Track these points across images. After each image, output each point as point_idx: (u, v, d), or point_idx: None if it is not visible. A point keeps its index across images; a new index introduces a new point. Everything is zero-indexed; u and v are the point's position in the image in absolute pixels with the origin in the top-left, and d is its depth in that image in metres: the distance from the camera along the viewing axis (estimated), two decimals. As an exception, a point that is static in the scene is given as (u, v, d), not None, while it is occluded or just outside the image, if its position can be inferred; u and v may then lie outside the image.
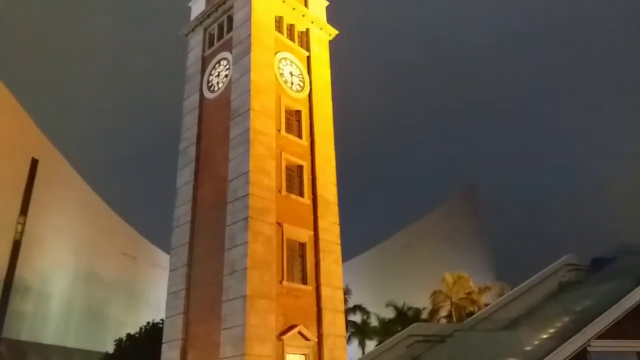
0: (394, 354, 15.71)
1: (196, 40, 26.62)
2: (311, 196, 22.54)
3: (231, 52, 23.84)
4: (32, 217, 50.35)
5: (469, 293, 39.35)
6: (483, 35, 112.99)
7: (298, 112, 23.89)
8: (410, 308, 40.67)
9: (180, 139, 25.13)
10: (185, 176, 23.75)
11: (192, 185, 23.09)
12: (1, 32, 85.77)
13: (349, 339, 36.08)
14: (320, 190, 22.82)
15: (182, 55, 27.56)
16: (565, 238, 77.33)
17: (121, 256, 59.37)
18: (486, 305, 29.20)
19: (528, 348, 14.31)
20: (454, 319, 36.86)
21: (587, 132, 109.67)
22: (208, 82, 24.93)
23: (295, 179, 22.50)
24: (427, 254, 68.67)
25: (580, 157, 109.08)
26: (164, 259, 44.96)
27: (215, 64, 24.91)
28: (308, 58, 25.49)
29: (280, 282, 19.73)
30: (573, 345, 13.41)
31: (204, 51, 25.95)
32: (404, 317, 38.81)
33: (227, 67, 23.97)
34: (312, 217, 22.16)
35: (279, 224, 20.48)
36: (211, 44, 25.84)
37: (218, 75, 24.45)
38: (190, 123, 24.77)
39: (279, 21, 24.90)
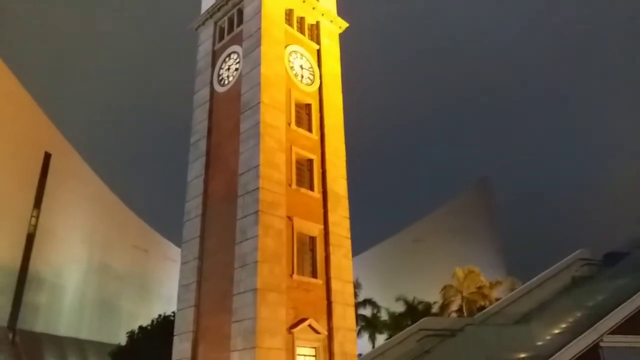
0: (404, 348, 15.68)
1: (206, 34, 26.63)
2: (321, 190, 22.52)
3: (241, 46, 23.82)
4: (46, 210, 50.93)
5: (479, 287, 39.19)
6: (500, 27, 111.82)
7: (308, 106, 23.83)
8: (420, 302, 40.59)
9: (191, 132, 25.23)
10: (195, 170, 23.84)
11: (203, 178, 23.18)
12: (14, 26, 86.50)
13: (359, 333, 36.13)
14: (330, 184, 22.79)
15: (194, 49, 27.60)
16: (578, 233, 76.55)
17: (133, 249, 59.91)
18: (497, 299, 29.07)
19: (540, 343, 14.20)
20: (465, 314, 36.74)
21: (602, 126, 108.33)
22: (218, 75, 24.95)
23: (305, 172, 22.47)
24: (437, 249, 68.45)
25: (594, 152, 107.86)
26: (175, 252, 45.36)
27: (226, 57, 24.91)
28: (318, 51, 25.38)
29: (291, 275, 19.77)
30: (585, 340, 13.27)
31: (214, 45, 25.95)
32: (414, 311, 38.76)
33: (238, 60, 23.96)
34: (322, 211, 22.15)
35: (289, 218, 20.49)
36: (221, 38, 25.83)
37: (228, 69, 24.46)
38: (200, 117, 24.83)
39: (289, 14, 24.80)
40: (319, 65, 24.99)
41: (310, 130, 23.34)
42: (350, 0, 29.63)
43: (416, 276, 59.17)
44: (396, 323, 37.77)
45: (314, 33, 25.89)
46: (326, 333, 20.05)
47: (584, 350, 13.13)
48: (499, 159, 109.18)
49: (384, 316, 39.98)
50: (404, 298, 40.61)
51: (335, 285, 21.06)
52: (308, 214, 21.45)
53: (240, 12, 24.93)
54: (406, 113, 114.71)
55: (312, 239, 21.35)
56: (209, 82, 25.13)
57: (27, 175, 50.08)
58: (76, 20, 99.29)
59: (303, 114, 23.56)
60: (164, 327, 28.88)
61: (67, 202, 53.29)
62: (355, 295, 29.08)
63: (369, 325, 39.10)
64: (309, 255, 21.15)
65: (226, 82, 24.32)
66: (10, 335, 43.87)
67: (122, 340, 33.30)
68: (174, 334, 21.63)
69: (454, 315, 38.34)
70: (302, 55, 24.54)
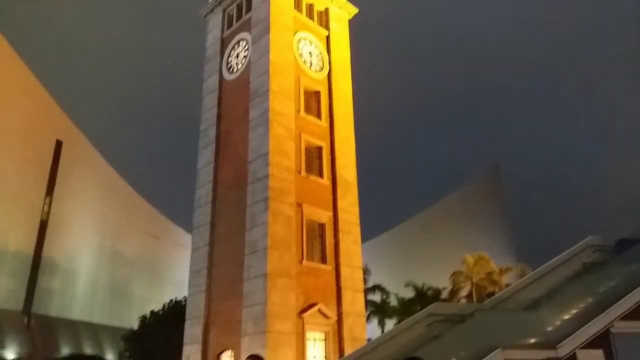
0: (413, 333, 15.72)
1: (215, 21, 26.53)
2: (330, 177, 22.56)
3: (250, 33, 23.73)
4: (58, 197, 51.53)
5: (489, 274, 39.14)
6: (517, 12, 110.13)
7: (317, 93, 23.77)
8: (429, 288, 40.66)
9: (200, 120, 25.31)
10: (205, 157, 23.95)
11: (213, 166, 23.31)
12: (24, 15, 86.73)
13: (368, 318, 36.36)
14: (339, 171, 22.82)
15: (204, 36, 27.55)
16: (590, 219, 76.07)
17: (144, 236, 60.54)
18: (507, 285, 29.06)
19: (550, 328, 14.18)
20: (474, 300, 36.80)
21: (612, 112, 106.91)
22: (227, 63, 24.91)
23: (314, 160, 22.52)
24: (447, 235, 68.36)
25: (607, 138, 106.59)
26: (186, 238, 45.73)
27: (234, 44, 24.85)
28: (327, 37, 25.23)
29: (300, 261, 19.92)
30: (596, 326, 13.24)
31: (222, 32, 25.87)
32: (424, 297, 38.86)
33: (246, 47, 23.89)
34: (331, 197, 22.23)
35: (299, 205, 20.59)
36: (230, 25, 25.73)
37: (237, 56, 24.41)
38: (210, 104, 24.87)
39: (298, 0, 24.62)
40: (328, 52, 24.87)
41: (319, 117, 23.32)
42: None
43: (426, 263, 59.22)
44: (405, 309, 37.92)
45: (323, 19, 25.71)
46: (336, 318, 20.24)
47: (595, 336, 13.11)
48: (510, 145, 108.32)
49: (393, 302, 40.16)
50: (413, 284, 40.71)
51: (344, 271, 21.21)
52: (317, 201, 21.53)
53: (249, -1, 24.82)
54: (417, 99, 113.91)
55: (322, 226, 21.46)
56: (217, 70, 25.12)
57: (39, 163, 50.62)
58: (87, 9, 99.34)
59: (312, 101, 23.52)
60: (175, 312, 29.27)
61: (79, 190, 53.84)
62: (365, 281, 29.25)
63: (378, 310, 39.30)
64: (319, 242, 21.29)
65: (235, 69, 24.30)
66: (26, 319, 44.77)
67: (135, 324, 33.82)
68: (186, 318, 21.96)
69: (463, 301, 38.42)
70: (311, 41, 24.41)
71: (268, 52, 22.02)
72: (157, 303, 35.16)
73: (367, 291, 32.79)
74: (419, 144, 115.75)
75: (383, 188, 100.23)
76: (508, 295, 18.10)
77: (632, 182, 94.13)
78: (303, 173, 21.44)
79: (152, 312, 32.71)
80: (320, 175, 22.28)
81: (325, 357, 19.52)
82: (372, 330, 35.81)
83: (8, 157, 46.77)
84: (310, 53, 24.11)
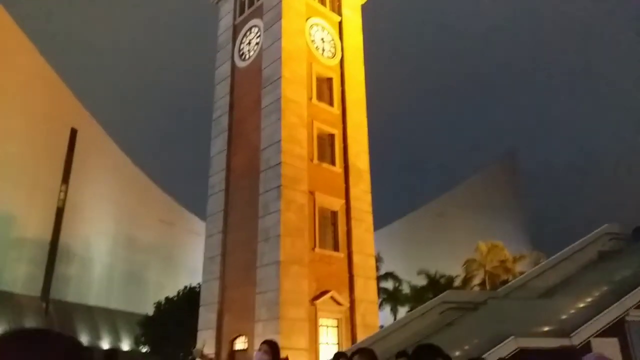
0: (426, 320, 15.75)
1: (227, 8, 26.42)
2: (343, 165, 22.51)
3: (262, 19, 23.60)
4: (73, 185, 52.19)
5: (503, 261, 38.94)
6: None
7: (329, 80, 23.63)
8: (442, 276, 40.61)
9: (213, 108, 25.34)
10: (218, 145, 24.02)
11: (226, 154, 23.38)
12: (38, 4, 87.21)
13: (380, 305, 36.45)
14: (352, 159, 22.75)
15: (214, 24, 27.46)
16: (605, 207, 75.05)
17: (159, 223, 61.15)
18: (521, 273, 28.89)
19: (564, 316, 14.09)
20: (487, 287, 36.66)
21: (631, 98, 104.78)
22: (239, 50, 24.83)
23: (326, 147, 22.47)
24: (461, 223, 68.01)
25: (624, 125, 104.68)
26: (200, 225, 46.06)
27: (246, 31, 24.75)
28: (340, 23, 25.01)
29: (313, 249, 19.98)
30: (611, 314, 13.11)
31: (234, 19, 25.76)
32: (436, 284, 38.82)
33: (258, 34, 23.79)
34: (343, 185, 22.19)
35: (311, 193, 20.60)
36: (242, 12, 25.61)
37: (249, 43, 24.32)
38: (222, 92, 24.87)
39: (310, -15, 24.39)
40: (341, 38, 24.66)
41: (331, 104, 23.20)
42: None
43: (439, 250, 59.06)
44: (418, 296, 37.95)
45: (336, 5, 25.46)
46: (348, 305, 20.33)
47: (609, 325, 12.99)
48: (526, 131, 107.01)
49: (405, 289, 40.21)
50: (426, 272, 40.69)
51: (356, 258, 21.24)
52: (330, 188, 21.52)
53: (261, -15, 24.63)
54: (431, 85, 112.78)
55: (334, 213, 21.47)
56: (230, 57, 25.07)
57: (54, 151, 51.22)
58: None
59: (324, 88, 23.40)
60: (189, 298, 29.61)
61: (94, 177, 54.45)
62: (377, 268, 29.27)
63: (390, 298, 39.39)
64: (331, 229, 21.32)
65: (247, 56, 24.22)
66: (44, 305, 45.70)
67: (150, 310, 34.28)
68: (200, 304, 22.21)
69: (476, 289, 38.33)
70: (323, 27, 24.21)
71: (280, 38, 21.90)
72: (171, 289, 35.56)
73: (379, 279, 32.83)
74: (433, 131, 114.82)
75: (396, 175, 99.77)
76: (522, 283, 18.01)
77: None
78: (315, 161, 21.41)
79: (166, 298, 33.11)
80: (333, 162, 22.24)
81: (338, 343, 19.65)
82: (385, 317, 35.92)
83: (25, 146, 47.43)
84: (322, 39, 23.94)
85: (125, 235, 56.25)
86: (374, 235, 23.04)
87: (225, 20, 26.28)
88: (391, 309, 39.49)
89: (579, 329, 12.64)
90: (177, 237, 62.93)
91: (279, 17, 22.39)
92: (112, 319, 49.69)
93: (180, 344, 27.88)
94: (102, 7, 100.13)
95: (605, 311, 13.09)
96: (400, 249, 59.58)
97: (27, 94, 49.11)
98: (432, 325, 15.30)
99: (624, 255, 18.06)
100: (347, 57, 24.48)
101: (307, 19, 23.40)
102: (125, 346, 45.53)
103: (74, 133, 53.41)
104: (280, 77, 21.26)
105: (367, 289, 21.27)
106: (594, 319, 12.90)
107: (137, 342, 36.43)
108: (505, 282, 29.95)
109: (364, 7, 26.81)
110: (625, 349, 12.85)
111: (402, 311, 38.21)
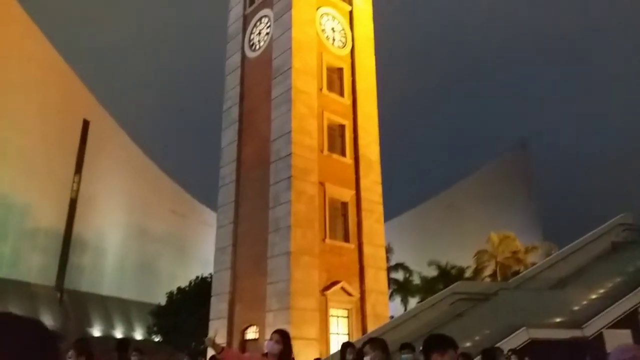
0: (437, 311, 15.75)
1: (237, -2, 26.33)
2: (353, 155, 22.45)
3: (272, 9, 23.49)
4: (86, 176, 52.72)
5: (514, 252, 38.72)
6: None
7: (340, 70, 23.51)
8: (453, 267, 40.49)
9: (223, 99, 25.35)
10: (229, 136, 24.06)
11: (236, 145, 23.41)
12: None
13: (391, 296, 36.48)
14: (362, 150, 22.67)
15: (225, 14, 27.39)
16: (618, 198, 74.18)
17: (171, 214, 61.64)
18: (532, 264, 28.73)
19: (576, 308, 14.01)
20: (499, 279, 36.51)
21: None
22: (249, 40, 24.77)
23: (337, 138, 22.41)
24: (472, 214, 67.69)
25: (637, 113, 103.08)
26: (211, 216, 46.35)
27: (257, 22, 24.66)
28: (350, 13, 24.81)
29: (323, 239, 20.01)
30: (623, 306, 13.01)
31: (244, 9, 25.66)
32: (447, 275, 38.73)
33: (268, 24, 23.69)
34: (354, 176, 22.15)
35: (321, 184, 20.60)
36: (252, 2, 25.50)
37: (259, 34, 24.24)
38: (232, 83, 24.86)
39: (320, -25, 24.20)
40: (351, 28, 24.48)
41: (342, 95, 23.10)
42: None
43: (450, 241, 58.89)
44: (428, 287, 37.91)
45: (346, -6, 25.26)
46: (358, 295, 20.37)
47: (622, 316, 12.89)
48: (538, 121, 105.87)
49: (416, 280, 40.18)
50: (437, 262, 40.60)
51: (367, 249, 21.25)
52: (340, 179, 21.49)
53: (271, -26, 24.49)
54: (442, 75, 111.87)
55: (344, 204, 21.46)
56: (240, 48, 25.02)
57: (67, 143, 51.71)
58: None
59: (335, 78, 23.29)
60: (201, 288, 29.86)
61: (106, 169, 54.94)
62: (388, 259, 29.28)
63: (401, 288, 39.40)
64: (341, 220, 21.32)
65: (257, 47, 24.16)
66: (58, 294, 46.43)
67: (162, 300, 34.65)
68: (212, 294, 22.39)
69: (487, 280, 38.19)
70: (333, 17, 24.05)
71: (290, 28, 21.80)
72: (183, 279, 35.88)
73: (390, 269, 32.85)
74: (443, 122, 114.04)
75: (407, 166, 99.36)
76: (533, 275, 17.92)
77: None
78: (325, 151, 21.38)
79: (178, 289, 33.42)
80: (343, 153, 22.19)
81: (348, 334, 19.73)
82: (395, 308, 35.98)
83: (38, 137, 47.93)
84: (332, 29, 23.79)
85: (137, 226, 56.78)
86: (385, 226, 23.00)
87: (235, 11, 26.20)
88: (402, 300, 39.51)
89: (591, 320, 12.57)
90: (189, 228, 63.40)
91: (289, 6, 22.27)
92: (125, 308, 50.33)
93: (192, 334, 28.19)
94: (115, 2, 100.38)
95: (618, 302, 12.99)
96: (411, 240, 59.47)
97: (40, 86, 49.52)
98: (442, 316, 15.30)
99: (638, 247, 17.87)
100: (358, 46, 24.32)
101: (317, 9, 23.26)
102: (138, 335, 46.15)
103: (86, 125, 53.86)
104: (290, 68, 21.20)
105: (377, 280, 21.29)
106: (607, 310, 12.82)
107: (149, 332, 36.87)
108: (517, 273, 29.80)
109: (374, -3, 26.55)
110: (638, 340, 12.75)
111: (413, 302, 38.21)
